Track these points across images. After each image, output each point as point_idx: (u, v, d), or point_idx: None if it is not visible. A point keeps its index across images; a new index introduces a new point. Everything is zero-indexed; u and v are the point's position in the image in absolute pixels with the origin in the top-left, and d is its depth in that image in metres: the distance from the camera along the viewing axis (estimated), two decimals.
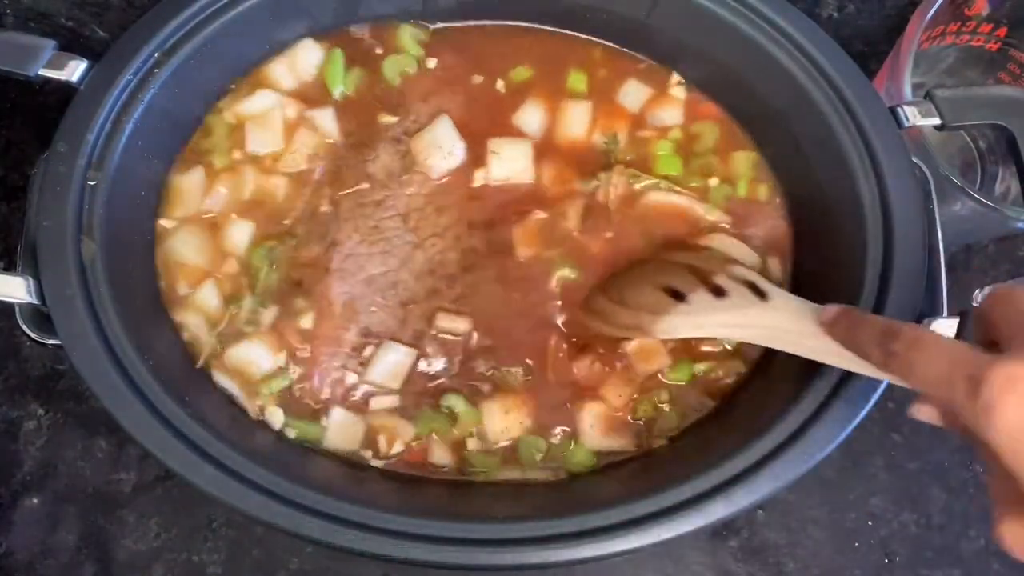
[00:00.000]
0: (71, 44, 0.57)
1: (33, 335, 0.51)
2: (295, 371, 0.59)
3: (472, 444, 0.59)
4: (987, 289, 0.69)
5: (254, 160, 0.63)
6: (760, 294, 0.56)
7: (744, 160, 0.67)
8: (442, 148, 0.63)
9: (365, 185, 0.63)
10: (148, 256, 0.60)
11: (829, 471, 0.68)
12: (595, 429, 0.59)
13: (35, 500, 0.65)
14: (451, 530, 0.49)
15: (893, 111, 0.59)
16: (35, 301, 0.51)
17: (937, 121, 0.58)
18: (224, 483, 0.49)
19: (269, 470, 0.50)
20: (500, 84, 0.68)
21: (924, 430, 0.70)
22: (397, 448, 0.58)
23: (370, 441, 0.59)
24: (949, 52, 0.73)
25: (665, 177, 0.65)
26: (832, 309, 0.50)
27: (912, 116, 0.59)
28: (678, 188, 0.65)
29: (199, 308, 0.60)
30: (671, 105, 0.68)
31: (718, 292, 0.57)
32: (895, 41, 0.68)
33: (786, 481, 0.51)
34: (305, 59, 0.66)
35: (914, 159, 0.58)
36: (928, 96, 0.58)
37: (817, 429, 0.52)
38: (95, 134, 0.55)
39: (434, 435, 0.59)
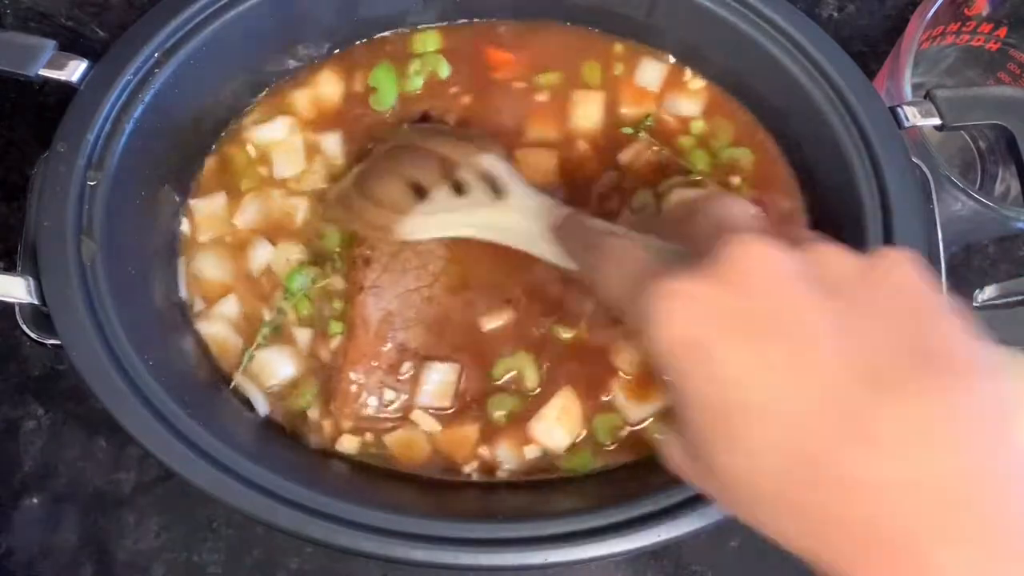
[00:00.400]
0: (71, 44, 0.57)
1: (33, 335, 0.51)
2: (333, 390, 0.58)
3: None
4: (983, 292, 0.68)
5: (279, 183, 0.64)
6: (498, 191, 0.53)
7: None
8: None
9: None
10: (149, 256, 0.60)
11: None
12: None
13: (35, 500, 0.65)
14: (451, 530, 0.49)
15: (893, 111, 0.59)
16: (35, 301, 0.51)
17: (937, 121, 0.58)
18: (224, 483, 0.49)
19: (269, 470, 0.50)
20: (521, 85, 0.67)
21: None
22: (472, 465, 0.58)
23: (443, 458, 0.58)
24: (949, 52, 0.73)
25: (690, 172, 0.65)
26: (563, 211, 0.49)
27: (912, 116, 0.59)
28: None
29: (224, 320, 0.60)
30: (688, 97, 0.68)
31: (459, 188, 0.54)
32: (895, 41, 0.68)
33: None
34: (327, 89, 0.66)
35: (914, 159, 0.58)
36: (928, 96, 0.58)
37: None
38: (95, 134, 0.55)
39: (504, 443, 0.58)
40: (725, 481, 0.34)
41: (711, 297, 0.33)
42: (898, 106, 0.59)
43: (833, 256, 0.35)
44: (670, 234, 0.41)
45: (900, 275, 0.34)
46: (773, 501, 0.33)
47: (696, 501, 0.50)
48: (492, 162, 0.55)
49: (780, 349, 0.32)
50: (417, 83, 0.66)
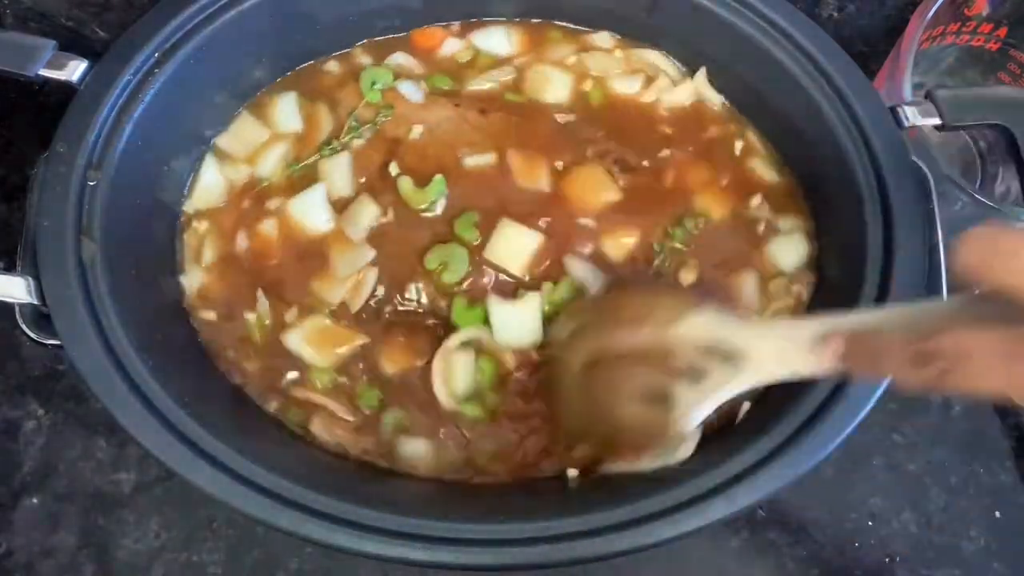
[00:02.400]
0: (71, 44, 0.57)
1: (33, 335, 0.51)
2: None
3: None
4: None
5: None
6: (731, 356, 0.50)
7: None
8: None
9: None
10: (149, 256, 0.60)
11: (829, 471, 0.68)
12: None
13: (35, 500, 0.65)
14: (451, 530, 0.49)
15: (893, 111, 0.59)
16: (35, 301, 0.51)
17: (937, 121, 0.58)
18: (224, 483, 0.49)
19: (269, 470, 0.50)
20: None
21: (924, 430, 0.70)
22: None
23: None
24: (949, 52, 0.73)
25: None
26: (835, 341, 0.46)
27: (912, 116, 0.59)
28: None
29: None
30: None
31: (696, 376, 0.51)
32: (895, 41, 0.68)
33: (786, 481, 0.51)
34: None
35: (914, 159, 0.58)
36: (928, 96, 0.58)
37: (817, 429, 0.52)
38: (95, 134, 0.55)
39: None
40: None
41: None
42: (898, 106, 0.59)
43: None
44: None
45: None
46: None
47: (696, 501, 0.50)
48: (707, 330, 0.51)
49: None
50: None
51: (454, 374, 0.58)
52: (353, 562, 0.63)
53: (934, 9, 0.65)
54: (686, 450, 0.55)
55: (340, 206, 0.63)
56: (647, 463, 0.55)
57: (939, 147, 0.64)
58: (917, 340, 0.40)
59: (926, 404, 0.72)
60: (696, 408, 0.51)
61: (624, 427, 0.53)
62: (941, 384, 0.39)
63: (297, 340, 0.60)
